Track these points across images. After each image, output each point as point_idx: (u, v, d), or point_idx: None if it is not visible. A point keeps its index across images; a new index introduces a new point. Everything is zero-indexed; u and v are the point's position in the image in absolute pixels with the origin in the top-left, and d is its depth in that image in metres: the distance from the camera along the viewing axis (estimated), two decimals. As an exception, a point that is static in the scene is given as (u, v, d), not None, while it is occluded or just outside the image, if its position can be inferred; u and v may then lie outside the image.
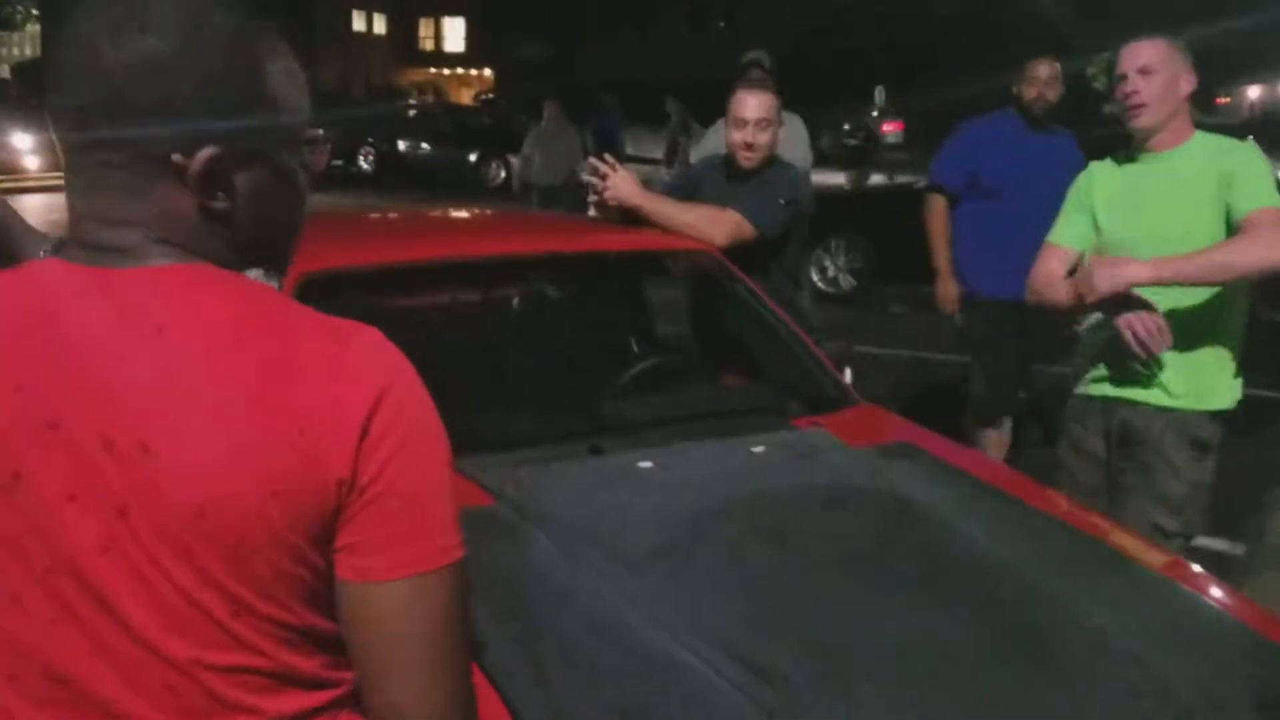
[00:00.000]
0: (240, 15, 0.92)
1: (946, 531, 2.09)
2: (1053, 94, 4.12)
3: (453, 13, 40.68)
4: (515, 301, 3.36)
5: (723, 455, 2.35)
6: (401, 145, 19.83)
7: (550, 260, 3.13)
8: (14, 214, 1.73)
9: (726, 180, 3.41)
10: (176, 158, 0.89)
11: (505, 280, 3.27)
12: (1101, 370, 2.83)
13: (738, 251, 3.15)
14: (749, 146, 3.33)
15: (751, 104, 3.33)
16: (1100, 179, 2.85)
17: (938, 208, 4.35)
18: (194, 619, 0.89)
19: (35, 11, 30.05)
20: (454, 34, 42.53)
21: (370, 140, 19.66)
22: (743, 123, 3.33)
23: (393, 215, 4.96)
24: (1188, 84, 2.70)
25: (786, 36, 17.11)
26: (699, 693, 1.55)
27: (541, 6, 26.28)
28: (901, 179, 9.02)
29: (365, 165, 19.52)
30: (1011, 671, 1.69)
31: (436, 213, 4.26)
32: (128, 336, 0.88)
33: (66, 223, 0.94)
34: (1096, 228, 2.81)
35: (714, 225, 3.13)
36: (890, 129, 19.43)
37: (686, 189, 3.53)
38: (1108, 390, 2.83)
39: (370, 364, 0.92)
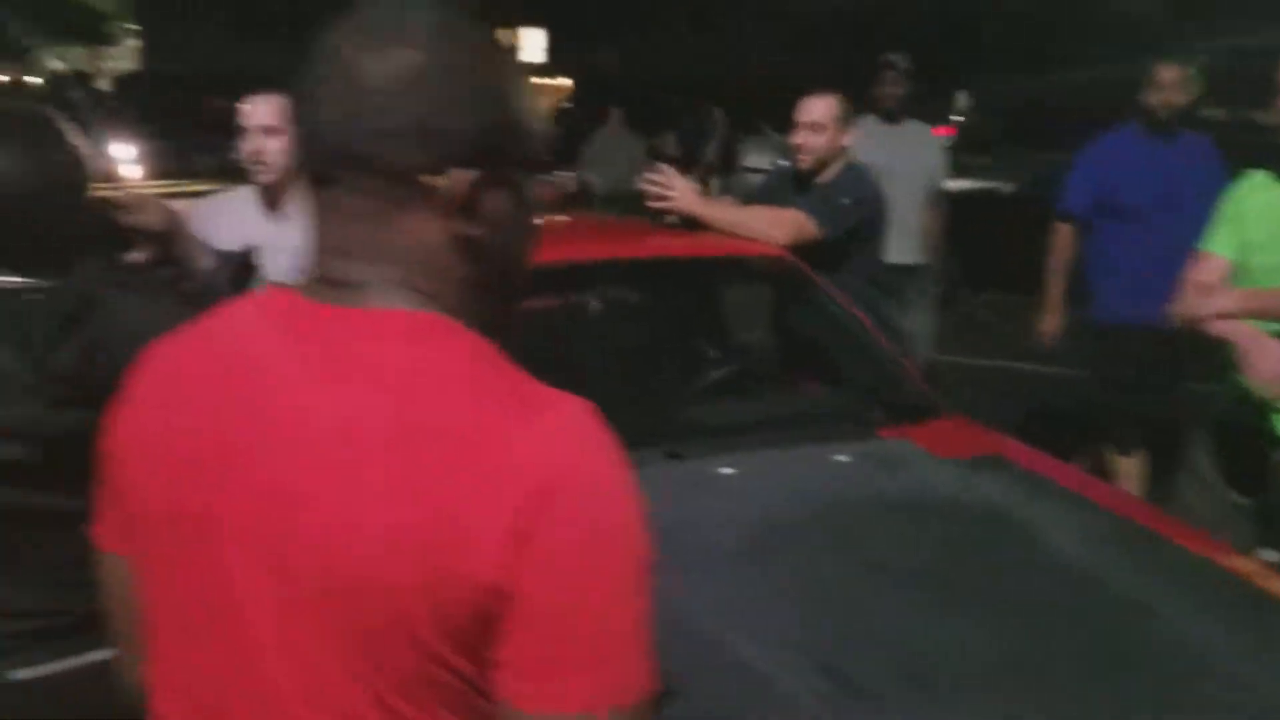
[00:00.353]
0: (487, 33, 0.87)
1: (1038, 546, 2.03)
2: (1180, 99, 3.88)
3: (532, 23, 41.24)
4: (592, 306, 3.35)
5: (806, 464, 2.30)
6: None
7: (627, 266, 3.12)
8: (186, 225, 1.79)
9: (794, 184, 3.49)
10: (432, 180, 0.82)
11: (583, 285, 3.26)
12: (1242, 401, 2.65)
13: (809, 254, 3.15)
14: (799, 149, 3.43)
15: (806, 107, 3.43)
16: (1254, 192, 2.68)
17: (1063, 235, 4.12)
18: (338, 704, 0.79)
19: (134, 28, 31.17)
20: (533, 44, 43.16)
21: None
22: (797, 125, 3.43)
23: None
24: None
25: (845, 39, 16.88)
26: (776, 700, 1.53)
27: (619, 15, 26.43)
28: (985, 184, 8.80)
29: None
30: (1102, 688, 1.63)
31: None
32: (321, 383, 0.81)
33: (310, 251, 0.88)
34: (1245, 243, 2.65)
35: (775, 226, 3.16)
36: (938, 134, 18.74)
37: (762, 195, 3.62)
38: (1249, 421, 2.66)
39: (550, 446, 0.77)
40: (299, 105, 0.84)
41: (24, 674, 1.45)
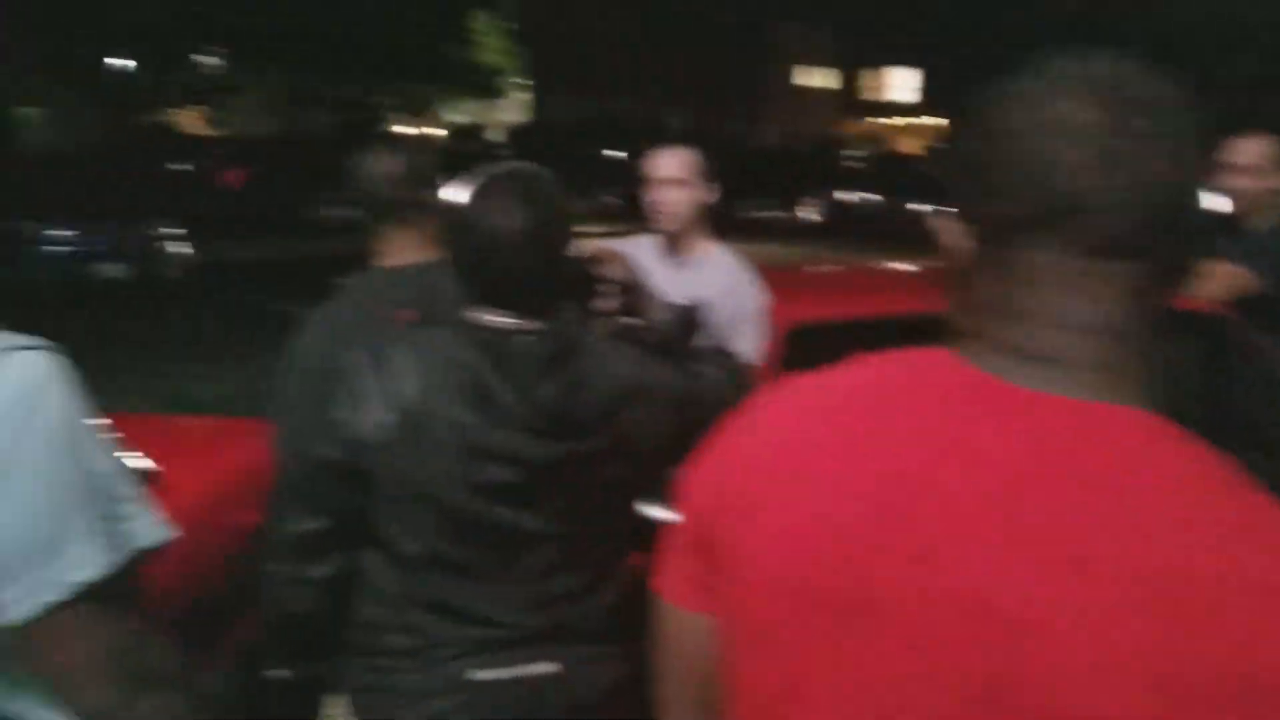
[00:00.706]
0: None
1: None
2: None
3: (902, 63, 40.92)
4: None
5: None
6: (844, 195, 20.15)
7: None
8: (645, 280, 1.91)
9: (1227, 229, 3.29)
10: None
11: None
12: None
13: (1246, 308, 2.94)
14: (1231, 193, 3.27)
15: (1234, 148, 3.26)
16: None
17: None
18: None
19: (524, 82, 34.17)
20: (906, 84, 42.80)
21: (813, 191, 20.18)
22: (1222, 167, 3.26)
23: (867, 267, 4.99)
24: None
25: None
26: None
27: (993, 52, 25.62)
28: None
29: (814, 215, 20.07)
30: None
31: (907, 265, 4.22)
32: (1040, 484, 0.71)
33: (970, 317, 0.80)
34: None
35: (1206, 279, 2.92)
36: None
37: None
38: None
39: None
40: (1079, 170, 0.73)
41: (481, 675, 1.60)
